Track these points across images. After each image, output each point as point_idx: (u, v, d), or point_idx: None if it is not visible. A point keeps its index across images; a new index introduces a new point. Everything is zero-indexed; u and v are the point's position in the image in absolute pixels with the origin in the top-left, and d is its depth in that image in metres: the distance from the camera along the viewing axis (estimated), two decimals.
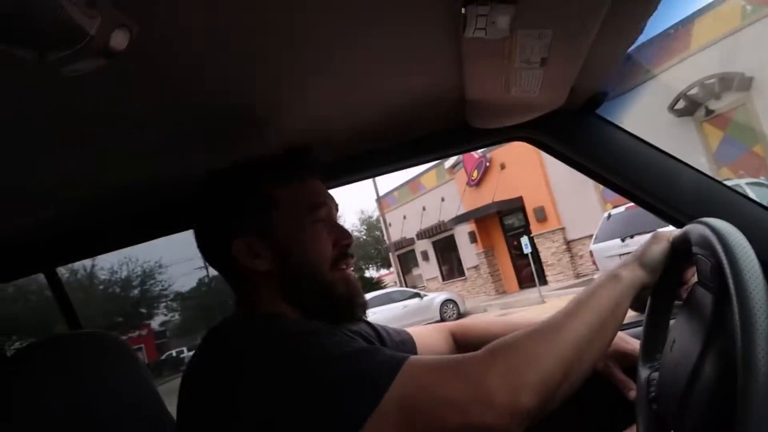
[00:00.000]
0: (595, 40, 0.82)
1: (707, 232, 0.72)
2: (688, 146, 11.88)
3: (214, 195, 0.97)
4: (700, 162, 11.81)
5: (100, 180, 1.04)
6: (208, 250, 0.97)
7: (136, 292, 34.01)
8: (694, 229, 0.78)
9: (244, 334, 0.84)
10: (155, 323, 38.42)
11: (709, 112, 12.41)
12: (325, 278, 0.93)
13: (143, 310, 35.13)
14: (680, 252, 0.86)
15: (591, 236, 9.96)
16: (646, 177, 1.14)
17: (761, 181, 9.92)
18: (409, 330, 1.25)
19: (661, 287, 0.91)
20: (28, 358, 0.91)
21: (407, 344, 1.19)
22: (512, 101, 1.02)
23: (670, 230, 0.92)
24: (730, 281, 0.63)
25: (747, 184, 8.03)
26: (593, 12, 0.72)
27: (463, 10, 0.70)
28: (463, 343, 1.26)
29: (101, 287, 32.75)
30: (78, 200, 1.09)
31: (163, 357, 35.17)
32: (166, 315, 40.10)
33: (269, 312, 0.91)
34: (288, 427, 0.71)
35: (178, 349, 34.95)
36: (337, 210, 1.02)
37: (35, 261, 1.34)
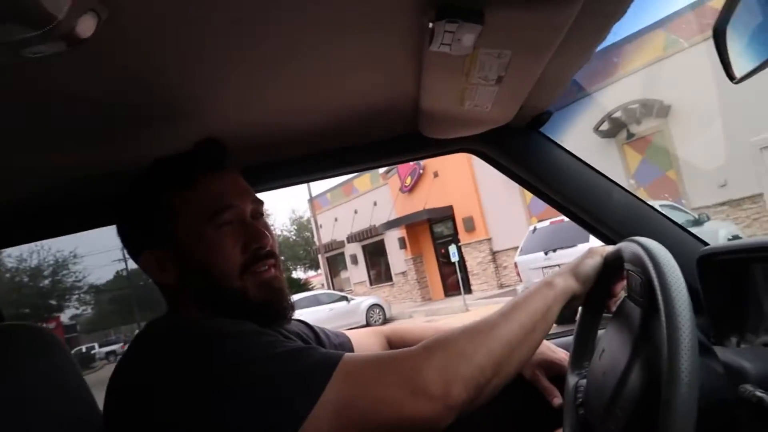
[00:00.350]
0: (547, 62, 0.87)
1: (639, 250, 0.78)
2: (609, 166, 12.54)
3: (124, 207, 0.93)
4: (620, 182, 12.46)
5: (36, 164, 0.99)
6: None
7: (46, 282, 32.16)
8: (627, 246, 0.84)
9: (172, 335, 0.81)
10: (65, 317, 36.44)
11: (630, 135, 13.17)
12: (234, 285, 0.88)
13: (53, 302, 33.24)
14: (612, 267, 0.92)
15: (516, 248, 10.31)
16: (581, 194, 1.21)
17: (673, 204, 10.63)
18: (347, 333, 1.26)
19: (591, 299, 0.96)
20: None
21: (345, 347, 1.20)
22: (464, 114, 1.05)
23: (602, 246, 0.98)
24: (659, 297, 0.68)
25: (661, 206, 8.59)
26: (552, 37, 0.77)
27: (430, 25, 0.72)
28: (398, 346, 1.29)
29: (8, 275, 30.74)
30: (9, 183, 1.04)
31: (72, 352, 33.32)
32: (77, 308, 38.16)
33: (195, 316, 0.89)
34: None
35: (88, 345, 33.23)
36: (256, 206, 0.94)
37: None
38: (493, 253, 16.99)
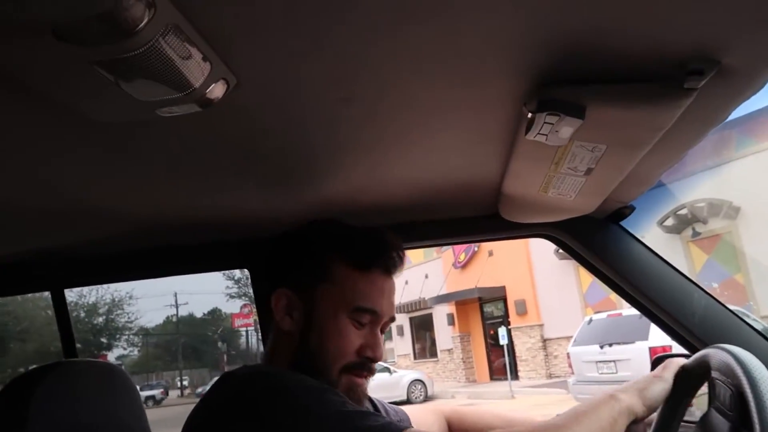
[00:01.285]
0: (640, 159, 0.87)
1: (730, 360, 0.74)
2: (673, 262, 12.08)
3: (290, 242, 0.98)
4: None
5: (147, 208, 1.06)
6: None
7: (100, 320, 33.09)
8: (716, 354, 0.80)
9: (261, 379, 0.84)
10: (112, 356, 37.17)
11: (695, 233, 12.72)
12: (330, 374, 0.90)
13: (103, 340, 34.04)
14: (694, 374, 0.88)
15: (569, 337, 9.93)
16: (660, 292, 1.18)
17: (741, 310, 10.05)
18: (405, 409, 1.24)
19: (670, 404, 0.92)
20: (43, 379, 0.90)
21: (404, 423, 1.18)
22: (546, 201, 1.06)
23: (672, 365, 0.94)
24: (754, 412, 0.64)
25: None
26: (650, 136, 0.78)
27: (530, 115, 0.74)
28: (457, 429, 1.25)
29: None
30: (115, 225, 1.11)
31: None
32: (125, 348, 38.87)
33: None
34: None
35: None
36: (389, 322, 0.97)
37: (45, 279, 1.34)
38: (544, 340, 16.38)
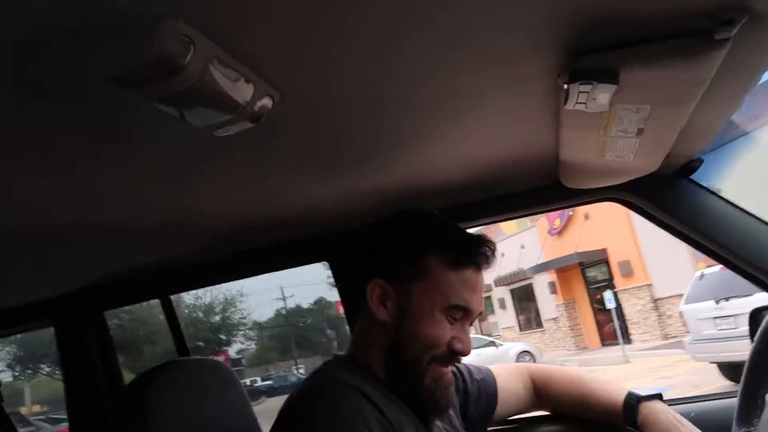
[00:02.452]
0: (693, 111, 0.85)
1: None
2: None
3: (388, 233, 1.03)
4: None
5: (232, 215, 1.16)
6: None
7: (217, 318, 35.21)
8: None
9: (320, 399, 0.91)
10: (232, 351, 39.54)
11: None
12: (420, 365, 0.95)
13: (222, 337, 36.22)
14: None
15: (681, 295, 9.41)
16: (740, 242, 1.13)
17: None
18: (491, 368, 1.27)
19: (761, 355, 0.90)
20: (162, 376, 1.04)
21: (488, 381, 1.21)
22: (606, 164, 1.05)
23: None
24: None
25: None
26: (693, 91, 0.76)
27: (565, 86, 0.75)
28: (542, 393, 1.26)
29: (186, 311, 34.21)
30: (203, 235, 1.23)
31: None
32: (242, 343, 41.16)
33: (366, 362, 0.98)
34: None
35: (252, 378, 35.72)
36: (477, 317, 1.02)
37: (153, 288, 1.50)
38: (655, 300, 15.63)
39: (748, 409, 0.93)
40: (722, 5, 0.63)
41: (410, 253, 0.98)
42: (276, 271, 1.43)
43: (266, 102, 0.73)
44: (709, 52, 0.68)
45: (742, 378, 0.97)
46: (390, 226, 1.04)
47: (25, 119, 0.65)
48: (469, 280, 0.98)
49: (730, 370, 7.78)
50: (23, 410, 20.41)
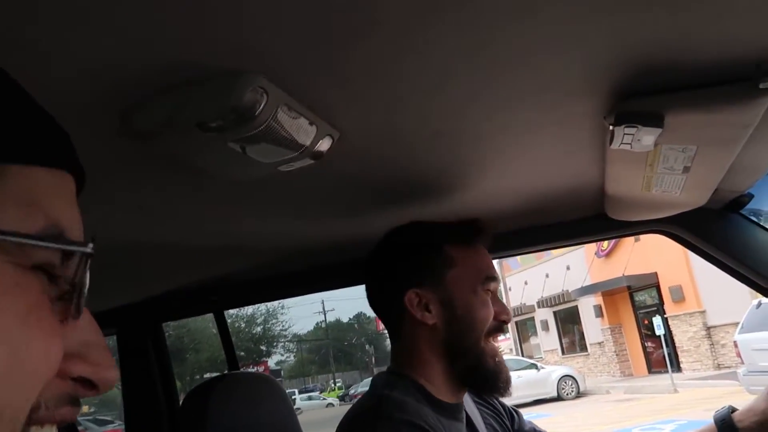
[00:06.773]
0: (741, 150, 0.86)
1: None
2: None
3: (396, 247, 1.06)
4: None
5: (289, 239, 1.22)
6: (380, 300, 1.06)
7: (258, 329, 35.74)
8: None
9: (379, 423, 0.91)
10: (272, 362, 39.97)
11: None
12: (479, 346, 0.99)
13: (263, 348, 36.73)
14: None
15: (735, 324, 9.05)
16: None
17: None
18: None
19: None
20: (220, 387, 1.10)
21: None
22: (653, 198, 1.07)
23: None
24: None
25: None
26: (739, 133, 0.78)
27: (611, 128, 0.78)
28: None
29: (228, 320, 34.80)
30: (259, 255, 1.30)
31: None
32: (282, 355, 41.60)
33: (415, 377, 1.00)
34: None
35: (289, 390, 36.01)
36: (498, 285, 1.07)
37: (207, 303, 1.58)
38: (708, 328, 15.03)
39: None
40: (766, 56, 0.65)
41: (430, 253, 1.02)
42: (324, 291, 1.49)
43: (327, 141, 0.79)
44: (754, 99, 0.70)
45: None
46: (396, 243, 1.06)
47: (124, 157, 0.74)
48: (484, 253, 1.05)
49: None
50: None
